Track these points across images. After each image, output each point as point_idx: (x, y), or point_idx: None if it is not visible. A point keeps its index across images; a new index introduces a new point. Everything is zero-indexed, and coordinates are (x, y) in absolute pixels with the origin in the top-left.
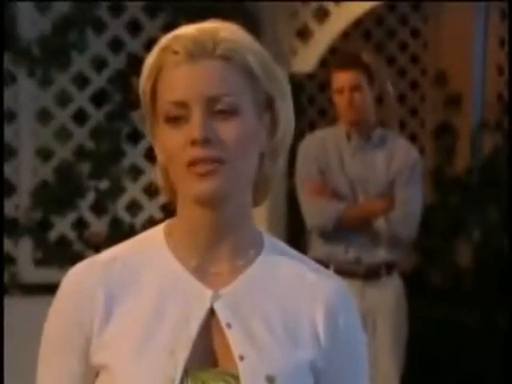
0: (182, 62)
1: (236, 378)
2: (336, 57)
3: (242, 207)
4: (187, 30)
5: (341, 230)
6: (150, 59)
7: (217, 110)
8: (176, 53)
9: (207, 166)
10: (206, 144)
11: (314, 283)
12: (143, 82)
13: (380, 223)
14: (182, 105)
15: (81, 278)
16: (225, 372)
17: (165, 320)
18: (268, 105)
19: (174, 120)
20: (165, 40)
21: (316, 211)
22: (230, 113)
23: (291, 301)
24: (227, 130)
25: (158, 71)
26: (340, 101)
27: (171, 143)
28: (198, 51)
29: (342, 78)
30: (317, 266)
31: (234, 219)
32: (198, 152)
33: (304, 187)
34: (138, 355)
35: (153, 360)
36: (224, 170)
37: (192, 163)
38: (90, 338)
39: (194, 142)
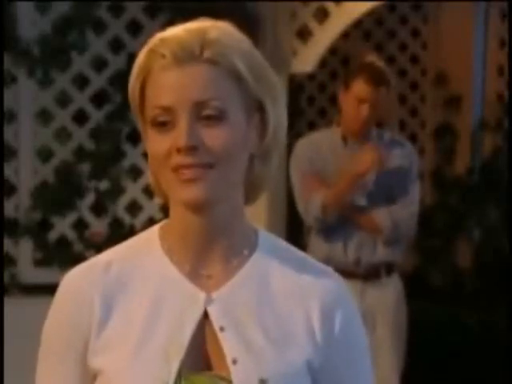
0: (168, 66)
1: (229, 381)
2: (364, 64)
3: (233, 209)
4: (175, 31)
5: (339, 226)
6: (139, 60)
7: (204, 115)
8: (163, 56)
9: (194, 172)
10: (191, 152)
11: (311, 280)
12: (132, 84)
13: (382, 220)
14: (169, 110)
15: (78, 282)
16: (218, 375)
17: (159, 324)
18: (257, 107)
19: (161, 125)
20: (153, 42)
21: (307, 206)
22: (217, 118)
23: (286, 299)
24: (214, 135)
25: (146, 73)
26: (356, 110)
27: (157, 148)
28: (185, 55)
29: (369, 92)
30: (315, 263)
31: (225, 221)
32: (183, 159)
33: (299, 185)
34: (132, 359)
35: (147, 364)
36: (212, 174)
37: (177, 169)
38: (88, 341)
39: (179, 150)
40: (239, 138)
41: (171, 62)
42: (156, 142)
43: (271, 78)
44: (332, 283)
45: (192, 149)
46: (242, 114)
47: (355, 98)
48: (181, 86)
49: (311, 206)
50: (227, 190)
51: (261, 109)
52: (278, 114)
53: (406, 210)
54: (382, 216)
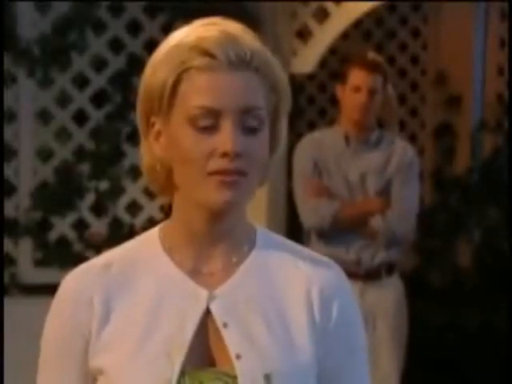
0: (219, 68)
1: (233, 377)
2: (359, 55)
3: (241, 210)
4: (211, 32)
5: (339, 232)
6: (171, 54)
7: (247, 123)
8: (212, 57)
9: (231, 177)
10: (236, 158)
11: (309, 271)
12: (160, 78)
13: (378, 222)
14: (214, 112)
15: (77, 284)
16: (222, 371)
17: (161, 323)
18: (272, 120)
19: (202, 126)
20: (192, 39)
21: (312, 211)
22: (258, 127)
23: (287, 292)
24: (254, 144)
25: (184, 70)
26: (353, 98)
27: (196, 149)
28: (238, 60)
29: (364, 78)
30: (313, 254)
31: (232, 222)
32: (226, 164)
33: (300, 186)
34: (134, 358)
35: (150, 362)
36: (244, 182)
37: (215, 173)
38: (89, 342)
39: (224, 154)
40: (267, 148)
41: (223, 64)
42: (193, 142)
43: (289, 93)
44: (330, 272)
45: (238, 155)
46: (268, 126)
47: (351, 87)
48: (231, 91)
49: (316, 212)
50: (248, 197)
51: (274, 123)
52: (285, 130)
53: (396, 209)
54: (374, 220)
